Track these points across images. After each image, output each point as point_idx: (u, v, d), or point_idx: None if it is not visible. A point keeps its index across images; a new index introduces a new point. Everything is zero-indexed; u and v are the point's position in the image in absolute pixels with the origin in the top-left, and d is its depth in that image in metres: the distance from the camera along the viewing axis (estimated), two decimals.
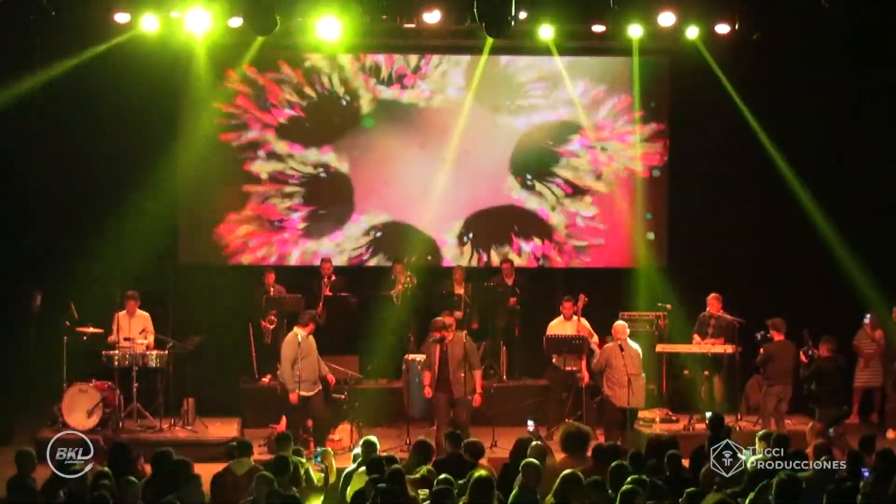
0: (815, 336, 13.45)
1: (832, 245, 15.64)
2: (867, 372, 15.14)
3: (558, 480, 8.61)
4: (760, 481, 8.68)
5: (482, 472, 9.04)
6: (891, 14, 14.19)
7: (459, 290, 15.58)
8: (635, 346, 13.66)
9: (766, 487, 8.45)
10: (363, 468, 9.54)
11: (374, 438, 10.32)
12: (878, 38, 14.81)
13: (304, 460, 10.25)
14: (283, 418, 13.54)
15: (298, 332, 13.22)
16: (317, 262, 15.99)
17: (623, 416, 13.34)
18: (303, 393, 13.13)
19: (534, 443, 10.07)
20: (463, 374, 13.15)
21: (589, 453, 10.30)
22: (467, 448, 10.12)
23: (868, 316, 15.16)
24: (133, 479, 8.73)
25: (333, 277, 15.59)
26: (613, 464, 9.15)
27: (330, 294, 15.41)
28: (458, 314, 15.13)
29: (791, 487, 8.17)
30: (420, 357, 14.04)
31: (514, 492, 8.71)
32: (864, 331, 15.21)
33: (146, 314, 14.26)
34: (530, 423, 11.81)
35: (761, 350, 13.90)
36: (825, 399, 13.26)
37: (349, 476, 9.81)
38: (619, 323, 13.88)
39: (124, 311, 14.12)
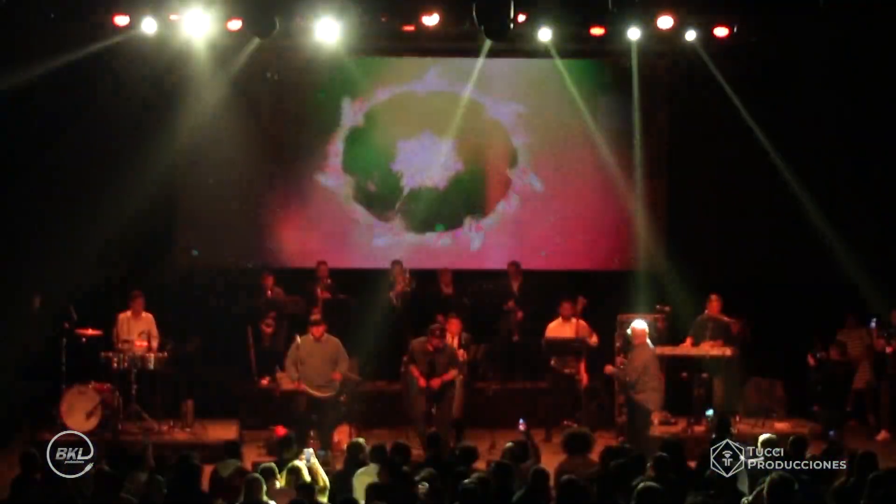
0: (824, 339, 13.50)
1: (834, 247, 15.67)
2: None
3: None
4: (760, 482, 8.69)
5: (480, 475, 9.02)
6: (889, 16, 14.20)
7: (448, 292, 15.66)
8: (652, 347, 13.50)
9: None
10: (364, 469, 9.66)
11: (361, 440, 10.52)
12: (877, 39, 14.84)
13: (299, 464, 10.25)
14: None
15: (298, 338, 13.28)
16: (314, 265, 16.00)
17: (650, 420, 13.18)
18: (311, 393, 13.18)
19: (508, 444, 10.15)
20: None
21: (591, 454, 10.27)
22: (461, 453, 10.12)
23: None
24: (159, 477, 8.74)
25: (329, 281, 15.55)
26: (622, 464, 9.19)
27: (329, 297, 15.40)
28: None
29: (783, 488, 8.17)
30: None
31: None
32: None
33: (150, 316, 14.25)
34: (521, 422, 11.76)
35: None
36: (827, 401, 13.27)
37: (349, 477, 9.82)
38: (639, 325, 13.47)
39: (128, 312, 14.11)
